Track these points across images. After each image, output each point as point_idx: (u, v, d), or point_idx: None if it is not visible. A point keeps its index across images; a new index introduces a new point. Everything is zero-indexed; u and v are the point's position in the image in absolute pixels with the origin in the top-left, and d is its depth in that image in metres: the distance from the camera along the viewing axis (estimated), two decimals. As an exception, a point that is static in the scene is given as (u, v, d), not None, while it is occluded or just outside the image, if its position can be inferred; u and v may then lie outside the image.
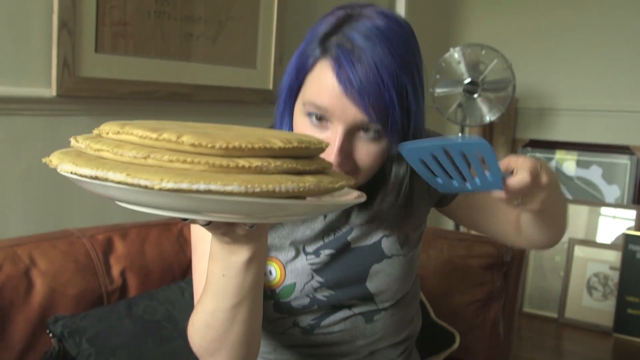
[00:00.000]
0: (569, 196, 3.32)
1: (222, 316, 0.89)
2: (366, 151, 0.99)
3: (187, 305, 1.49)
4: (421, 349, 1.42)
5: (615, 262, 3.04)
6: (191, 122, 0.82)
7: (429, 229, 1.93)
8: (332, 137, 0.97)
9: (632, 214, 3.12)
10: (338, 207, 0.76)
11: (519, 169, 0.90)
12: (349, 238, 1.14)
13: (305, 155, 0.72)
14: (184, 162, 0.63)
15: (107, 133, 0.69)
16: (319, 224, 1.13)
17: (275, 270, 1.11)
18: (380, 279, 1.15)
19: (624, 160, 3.20)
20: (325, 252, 1.12)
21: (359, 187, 1.07)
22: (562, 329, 3.08)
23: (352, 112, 0.95)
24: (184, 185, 0.60)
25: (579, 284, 3.12)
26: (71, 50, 1.67)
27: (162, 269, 1.60)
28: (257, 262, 0.86)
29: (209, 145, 0.63)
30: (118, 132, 0.68)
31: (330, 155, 0.96)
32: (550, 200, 0.99)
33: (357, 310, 1.16)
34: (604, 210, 3.19)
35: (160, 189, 0.60)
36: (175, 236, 1.68)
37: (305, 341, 1.15)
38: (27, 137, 1.66)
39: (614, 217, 3.17)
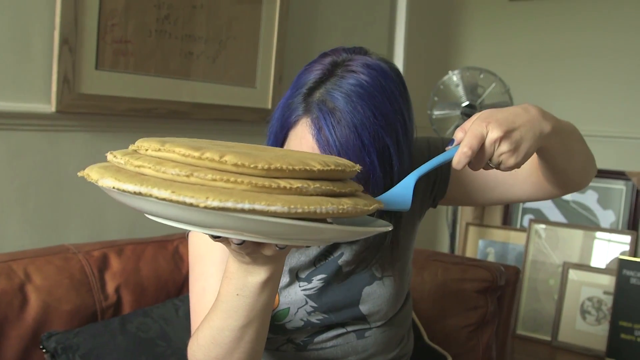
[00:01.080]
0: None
1: (230, 335, 0.90)
2: None
3: (181, 322, 1.50)
4: (413, 372, 1.43)
5: (609, 286, 3.05)
6: (223, 141, 0.82)
7: (423, 251, 1.94)
8: None
9: (626, 239, 3.13)
10: (370, 234, 0.77)
11: (462, 146, 0.89)
12: (339, 262, 1.14)
13: (340, 178, 0.74)
14: (227, 181, 0.64)
15: (147, 150, 0.70)
16: (314, 251, 1.14)
17: None
18: (373, 301, 1.15)
19: (619, 185, 3.21)
20: (318, 278, 1.13)
21: None
22: (555, 353, 3.08)
23: None
24: (229, 204, 0.61)
25: (572, 307, 3.12)
26: (72, 67, 1.68)
27: (157, 286, 1.60)
28: (272, 284, 0.86)
29: (252, 166, 0.64)
30: (159, 150, 0.68)
31: None
32: (532, 142, 0.93)
33: (350, 328, 1.17)
34: (599, 234, 3.20)
35: (205, 207, 0.61)
36: (170, 254, 1.68)
37: (299, 357, 1.16)
38: (25, 152, 1.67)
39: (609, 241, 3.18)
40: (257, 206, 0.61)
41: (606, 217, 3.26)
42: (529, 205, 3.43)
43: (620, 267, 3.00)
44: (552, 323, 3.16)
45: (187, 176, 0.64)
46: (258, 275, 0.84)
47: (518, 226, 3.44)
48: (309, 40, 2.51)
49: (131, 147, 0.73)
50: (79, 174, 0.71)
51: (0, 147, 1.61)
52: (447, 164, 0.95)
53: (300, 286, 1.13)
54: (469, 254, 3.44)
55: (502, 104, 2.91)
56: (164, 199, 0.61)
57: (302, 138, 0.98)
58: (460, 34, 3.64)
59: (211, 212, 0.62)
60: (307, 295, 1.12)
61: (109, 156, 0.72)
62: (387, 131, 0.96)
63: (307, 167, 0.67)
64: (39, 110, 1.66)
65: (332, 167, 0.70)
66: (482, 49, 3.56)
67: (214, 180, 0.64)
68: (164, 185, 0.62)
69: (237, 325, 0.88)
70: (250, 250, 0.79)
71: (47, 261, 1.45)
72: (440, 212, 3.57)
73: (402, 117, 1.00)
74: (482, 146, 0.89)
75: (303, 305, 1.12)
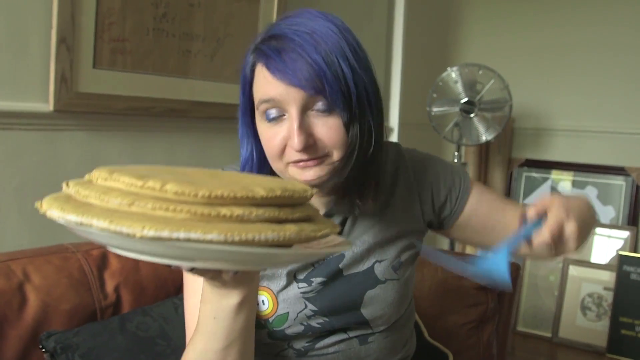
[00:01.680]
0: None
1: (213, 356, 0.90)
2: (326, 127, 1.02)
3: (181, 321, 1.49)
4: (414, 369, 1.42)
5: (609, 282, 3.05)
6: (183, 167, 0.83)
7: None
8: (290, 123, 1.02)
9: (626, 234, 3.13)
10: (320, 257, 0.77)
11: (544, 227, 0.96)
12: (340, 265, 1.14)
13: (290, 204, 0.73)
14: (167, 210, 0.64)
15: (97, 179, 0.71)
16: None
17: (267, 300, 1.11)
18: (375, 305, 1.14)
19: (619, 181, 3.21)
20: (317, 280, 1.12)
21: (345, 187, 1.10)
22: (555, 349, 3.07)
23: (294, 93, 1.00)
24: (165, 234, 0.61)
25: (573, 303, 3.12)
26: (69, 66, 1.68)
27: (156, 285, 1.60)
28: (248, 306, 0.87)
29: (192, 194, 0.65)
30: (106, 179, 0.69)
31: (294, 137, 1.00)
32: (587, 234, 1.05)
33: (352, 333, 1.16)
34: (598, 230, 3.20)
35: (141, 237, 0.61)
36: (170, 252, 1.67)
37: None
38: (23, 152, 1.66)
39: (609, 237, 3.18)
40: (193, 235, 0.61)
41: (606, 212, 3.25)
42: (528, 201, 3.43)
43: (621, 262, 2.99)
44: (552, 319, 3.15)
45: (129, 205, 0.65)
46: (231, 298, 0.85)
47: (518, 223, 3.43)
48: (307, 37, 2.50)
49: (86, 177, 0.74)
50: (36, 204, 0.73)
51: (-2, 147, 1.61)
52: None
53: (299, 287, 1.12)
54: (469, 251, 3.43)
55: (501, 100, 2.90)
56: (102, 229, 0.62)
57: (260, 77, 1.04)
58: (459, 30, 3.64)
59: (151, 241, 0.62)
60: (307, 298, 1.12)
61: (64, 186, 0.74)
62: (330, 45, 1.01)
63: (250, 194, 0.67)
64: (37, 109, 1.66)
65: (278, 192, 0.70)
66: (480, 45, 3.56)
67: (154, 209, 0.64)
68: (103, 216, 0.63)
69: (219, 347, 0.89)
70: (211, 275, 0.80)
71: (46, 260, 1.45)
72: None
73: (347, 39, 1.04)
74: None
75: (303, 310, 1.11)
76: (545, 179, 3.40)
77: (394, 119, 3.09)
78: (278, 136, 1.03)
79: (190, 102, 2.02)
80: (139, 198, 0.65)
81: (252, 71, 1.07)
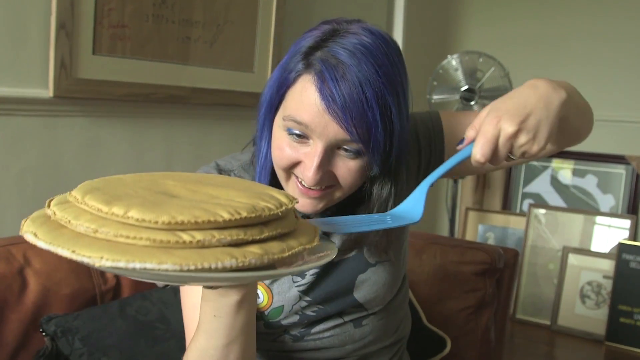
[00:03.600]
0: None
1: (215, 354, 0.89)
2: (346, 168, 0.98)
3: (180, 306, 1.50)
4: (412, 353, 1.43)
5: (608, 270, 3.06)
6: (174, 173, 0.82)
7: (422, 234, 1.94)
8: (311, 153, 0.96)
9: (626, 223, 3.14)
10: (292, 273, 0.77)
11: (477, 150, 0.88)
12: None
13: (262, 223, 0.71)
14: (128, 237, 0.65)
15: (74, 200, 0.71)
16: None
17: (262, 294, 1.10)
18: (367, 287, 1.14)
19: (619, 170, 3.21)
20: (310, 272, 1.12)
21: (340, 206, 1.07)
22: (554, 337, 3.09)
23: (334, 130, 0.93)
24: (121, 264, 0.62)
25: (572, 292, 3.13)
26: (69, 52, 1.68)
27: (156, 270, 1.61)
28: (248, 303, 0.86)
29: (153, 221, 0.65)
30: (79, 202, 0.70)
31: (309, 171, 0.95)
32: (550, 122, 0.91)
33: (347, 317, 1.16)
34: (598, 219, 3.20)
35: (99, 267, 0.62)
36: (169, 238, 1.68)
37: (296, 347, 1.15)
38: (23, 138, 1.67)
39: (609, 226, 3.18)
40: (148, 265, 0.62)
41: (606, 201, 3.26)
42: (528, 189, 3.44)
43: (620, 251, 3.00)
44: (551, 307, 3.17)
45: (94, 232, 0.65)
46: (230, 297, 0.84)
47: (518, 211, 3.44)
48: (306, 24, 2.49)
49: (67, 194, 0.74)
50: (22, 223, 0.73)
51: (-2, 132, 1.62)
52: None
53: (293, 281, 1.11)
54: (468, 238, 3.44)
55: (501, 88, 2.90)
56: (68, 257, 0.63)
57: (303, 93, 0.94)
58: (460, 17, 3.63)
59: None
60: (301, 292, 1.11)
61: (45, 205, 0.74)
62: (389, 90, 0.94)
63: (212, 218, 0.66)
64: (37, 95, 1.66)
65: (244, 214, 0.68)
66: (481, 32, 3.55)
67: (116, 236, 0.65)
68: (68, 244, 0.64)
69: (220, 344, 0.88)
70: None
71: (46, 245, 1.45)
72: (440, 198, 3.57)
73: (402, 83, 0.98)
74: (497, 144, 0.88)
75: (297, 302, 1.11)
76: (546, 168, 3.40)
77: (394, 107, 3.08)
78: (292, 152, 0.98)
79: (190, 88, 2.02)
80: (105, 224, 0.66)
81: (296, 78, 0.97)
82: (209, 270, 0.64)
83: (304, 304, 1.12)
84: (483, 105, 2.94)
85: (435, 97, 2.97)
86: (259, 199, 0.72)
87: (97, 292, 1.48)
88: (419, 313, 1.69)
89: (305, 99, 0.94)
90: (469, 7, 3.60)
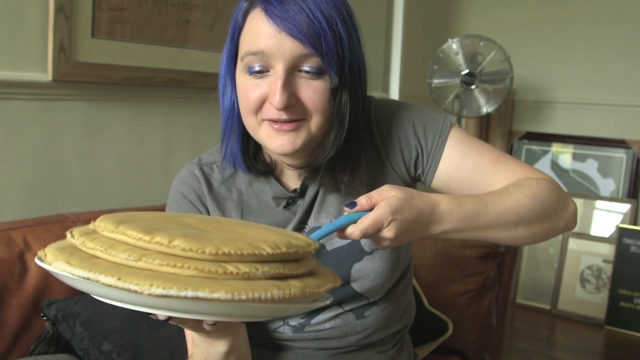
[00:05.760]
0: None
1: None
2: (311, 89, 0.99)
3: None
4: (414, 337, 1.43)
5: (608, 255, 3.06)
6: (184, 214, 0.84)
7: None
8: (273, 80, 0.98)
9: (626, 207, 3.14)
10: (306, 309, 0.79)
11: (357, 226, 0.88)
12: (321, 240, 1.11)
13: (294, 259, 0.74)
14: (174, 266, 0.65)
15: (103, 230, 0.71)
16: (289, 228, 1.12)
17: None
18: (365, 277, 1.12)
19: (619, 154, 3.21)
20: None
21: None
22: (554, 321, 3.10)
23: (290, 46, 0.96)
24: (172, 292, 0.62)
25: (572, 276, 3.13)
26: (67, 35, 1.67)
27: (157, 254, 1.60)
28: (237, 353, 0.89)
29: (199, 251, 0.66)
30: (113, 231, 0.70)
31: (275, 94, 0.96)
32: (409, 239, 0.94)
33: (347, 307, 1.14)
34: (598, 203, 3.20)
35: (149, 294, 0.62)
36: (170, 222, 1.68)
37: (296, 338, 1.14)
38: (22, 122, 1.66)
39: (609, 210, 3.18)
40: (200, 294, 0.63)
41: (606, 185, 3.25)
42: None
43: (620, 235, 3.00)
44: (551, 292, 3.17)
45: (136, 260, 0.65)
46: (218, 346, 0.87)
47: (518, 195, 3.44)
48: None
49: (90, 226, 0.74)
50: (39, 253, 0.73)
51: (-4, 116, 1.61)
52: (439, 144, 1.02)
53: None
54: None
55: (502, 72, 2.89)
56: (110, 285, 0.63)
57: (253, 24, 0.98)
58: (460, 1, 3.61)
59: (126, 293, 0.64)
60: None
61: (68, 235, 0.74)
62: (330, 5, 0.98)
63: (257, 252, 0.68)
64: (35, 79, 1.65)
65: (284, 249, 0.71)
66: (482, 16, 3.53)
67: (162, 265, 0.65)
68: (111, 272, 0.64)
69: None
70: (193, 326, 0.82)
71: (47, 230, 1.45)
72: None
73: (346, 7, 1.01)
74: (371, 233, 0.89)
75: None
76: (546, 152, 3.39)
77: (394, 90, 3.07)
78: (257, 90, 0.99)
79: (189, 72, 2.01)
80: (147, 253, 0.66)
81: (245, 17, 1.01)
82: (259, 300, 0.65)
83: None
84: (484, 89, 2.93)
85: (435, 81, 2.96)
86: (291, 238, 0.76)
87: (97, 276, 1.48)
88: (421, 296, 1.69)
89: (256, 29, 0.98)
90: (470, -9, 3.59)
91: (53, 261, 0.69)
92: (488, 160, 1.10)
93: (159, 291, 0.62)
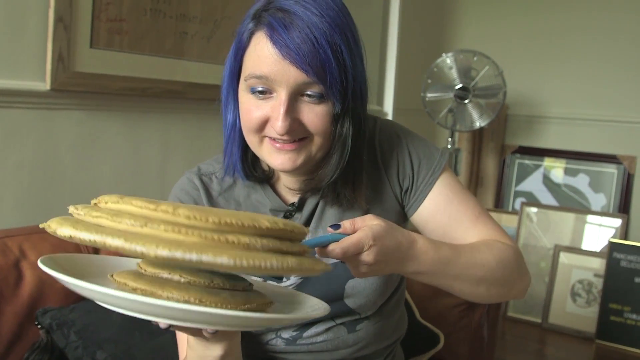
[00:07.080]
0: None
1: None
2: (313, 113, 1.00)
3: (176, 300, 1.50)
4: (406, 349, 1.43)
5: (599, 269, 3.07)
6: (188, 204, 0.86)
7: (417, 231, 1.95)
8: (277, 104, 0.98)
9: (617, 222, 3.16)
10: (296, 321, 0.80)
11: (339, 244, 0.88)
12: (316, 255, 1.12)
13: (289, 238, 0.76)
14: (179, 232, 0.67)
15: (106, 202, 0.73)
16: None
17: None
18: (358, 294, 1.13)
19: (611, 169, 3.23)
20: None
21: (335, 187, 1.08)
22: (545, 334, 3.11)
23: (293, 74, 0.96)
24: (178, 254, 0.63)
25: (563, 290, 3.15)
26: (66, 45, 1.68)
27: (152, 264, 1.61)
28: (232, 357, 0.91)
29: (203, 219, 0.67)
30: (117, 202, 0.72)
31: (278, 120, 0.97)
32: (386, 272, 0.94)
33: (339, 320, 1.15)
34: (590, 218, 3.22)
35: (156, 256, 0.63)
36: (165, 232, 1.68)
37: (289, 349, 1.15)
38: (20, 130, 1.67)
39: (600, 225, 3.20)
40: (205, 257, 0.64)
41: (597, 200, 3.28)
42: (521, 188, 3.45)
43: (611, 250, 3.02)
44: (542, 305, 3.18)
45: (141, 226, 0.67)
46: (214, 350, 0.89)
47: (510, 209, 3.46)
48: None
49: (92, 201, 0.76)
50: (41, 225, 0.74)
51: (-6, 125, 1.62)
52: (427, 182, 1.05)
53: (277, 283, 1.11)
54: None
55: (495, 87, 2.91)
56: (116, 248, 0.64)
57: (258, 48, 0.98)
58: (455, 16, 3.64)
59: (132, 301, 0.66)
60: None
61: (71, 208, 0.75)
62: (336, 31, 0.97)
63: (256, 224, 0.70)
64: (34, 88, 1.66)
65: (281, 226, 0.73)
66: (476, 31, 3.56)
67: (166, 231, 0.67)
68: (117, 235, 0.65)
69: None
70: (192, 332, 0.83)
71: (42, 238, 1.45)
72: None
73: (348, 24, 1.01)
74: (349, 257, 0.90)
75: None
76: (538, 166, 3.42)
77: (388, 104, 3.09)
78: (260, 111, 1.00)
79: (186, 83, 2.03)
80: (151, 220, 0.67)
81: (250, 37, 1.00)
82: (259, 268, 0.67)
83: None
84: (477, 104, 2.96)
85: (429, 95, 2.98)
86: (285, 220, 0.78)
87: (92, 285, 1.48)
88: (413, 309, 1.70)
89: (260, 53, 0.98)
90: (464, 6, 3.61)
91: (58, 228, 0.70)
92: (470, 215, 1.14)
93: (165, 253, 0.63)
